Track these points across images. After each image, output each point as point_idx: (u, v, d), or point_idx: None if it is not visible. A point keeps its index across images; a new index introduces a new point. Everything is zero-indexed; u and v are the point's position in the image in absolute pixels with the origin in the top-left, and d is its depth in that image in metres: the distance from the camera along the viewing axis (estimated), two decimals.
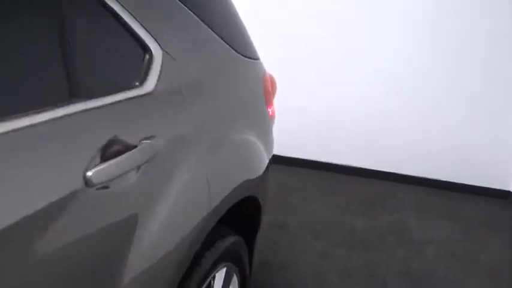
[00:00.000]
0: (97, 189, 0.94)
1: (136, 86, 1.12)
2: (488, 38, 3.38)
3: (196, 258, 1.36)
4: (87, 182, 0.91)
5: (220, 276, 1.56)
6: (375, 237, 3.00)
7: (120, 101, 1.05)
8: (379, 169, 3.86)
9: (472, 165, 3.65)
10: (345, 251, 2.80)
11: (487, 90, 3.49)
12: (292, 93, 3.75)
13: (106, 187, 0.96)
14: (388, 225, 3.16)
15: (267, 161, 1.74)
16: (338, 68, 3.77)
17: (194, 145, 1.25)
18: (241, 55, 1.58)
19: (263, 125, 1.73)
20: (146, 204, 1.08)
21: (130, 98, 1.08)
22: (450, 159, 3.70)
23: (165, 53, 1.19)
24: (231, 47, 1.51)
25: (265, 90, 1.72)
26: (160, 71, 1.17)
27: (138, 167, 1.05)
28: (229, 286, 1.67)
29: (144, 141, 1.06)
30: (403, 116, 3.72)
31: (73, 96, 0.96)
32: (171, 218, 1.15)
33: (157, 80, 1.16)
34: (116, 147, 0.99)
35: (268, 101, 1.76)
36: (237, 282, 1.71)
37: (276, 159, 3.81)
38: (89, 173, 0.92)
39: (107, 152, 0.97)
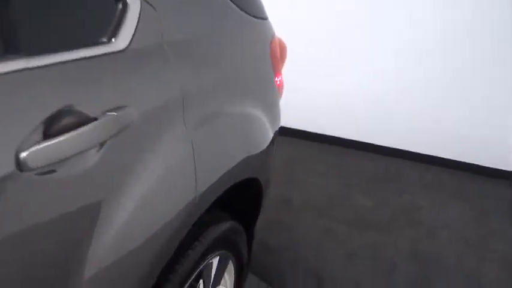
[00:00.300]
0: (37, 174, 0.68)
1: (104, 43, 0.83)
2: None
3: (182, 249, 1.12)
4: (20, 165, 0.65)
5: (212, 265, 1.32)
6: (383, 216, 2.73)
7: (79, 60, 0.77)
8: (388, 145, 3.55)
9: (488, 146, 3.33)
10: (351, 231, 2.55)
11: (504, 72, 3.14)
12: (303, 65, 3.43)
13: (51, 171, 0.70)
14: (397, 204, 2.88)
15: (271, 138, 1.46)
16: (351, 41, 3.42)
17: (179, 118, 0.98)
18: (245, 12, 1.28)
19: (269, 96, 1.44)
20: (111, 190, 0.82)
21: (94, 57, 0.80)
22: (464, 139, 3.37)
23: (144, 1, 0.91)
24: (233, 1, 1.21)
25: (272, 55, 1.42)
26: (137, 25, 0.88)
27: (101, 145, 0.79)
28: (223, 274, 1.43)
29: (109, 112, 0.80)
30: (416, 94, 3.39)
31: (9, 52, 0.69)
32: (144, 206, 0.88)
33: (133, 36, 0.88)
34: (67, 120, 0.72)
35: (275, 69, 1.46)
36: (233, 269, 1.47)
37: (282, 131, 3.54)
38: (24, 154, 0.66)
39: (54, 127, 0.71)
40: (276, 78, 1.47)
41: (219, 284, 1.42)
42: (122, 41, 0.85)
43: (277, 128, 1.54)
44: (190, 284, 1.21)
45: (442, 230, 2.64)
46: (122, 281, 0.88)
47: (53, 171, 0.70)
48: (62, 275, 0.76)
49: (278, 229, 2.45)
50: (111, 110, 0.79)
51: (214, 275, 1.35)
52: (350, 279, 2.17)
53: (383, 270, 2.25)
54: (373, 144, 3.56)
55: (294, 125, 3.64)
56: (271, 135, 1.44)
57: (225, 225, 1.28)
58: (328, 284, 2.11)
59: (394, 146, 3.52)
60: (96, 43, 0.82)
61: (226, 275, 1.46)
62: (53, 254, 0.74)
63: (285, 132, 3.54)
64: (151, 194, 0.90)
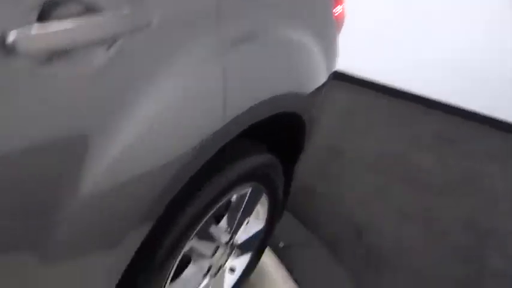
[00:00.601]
0: (29, 61, 0.60)
1: None
2: None
3: (208, 175, 1.03)
4: (6, 47, 0.57)
5: (244, 196, 1.23)
6: (443, 179, 2.49)
7: None
8: (461, 106, 3.19)
9: None
10: (405, 190, 2.35)
11: None
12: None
13: (47, 60, 0.62)
14: (459, 168, 2.61)
15: (324, 75, 1.30)
16: None
17: (211, 29, 0.85)
18: None
19: (325, 27, 1.26)
20: (120, 100, 0.72)
21: None
22: None
23: None
24: None
25: None
26: None
27: (111, 44, 0.69)
28: (255, 206, 1.34)
29: (125, 9, 0.69)
30: (498, 55, 2.98)
31: None
32: (159, 125, 0.78)
33: None
34: (69, 8, 0.63)
35: None
36: (266, 203, 1.38)
37: (346, 78, 3.29)
38: (13, 34, 0.57)
39: (53, 13, 0.61)
40: (336, 8, 1.28)
41: (250, 214, 1.34)
42: None
43: (333, 65, 1.37)
44: (218, 210, 1.13)
45: (504, 202, 2.37)
46: (125, 203, 0.79)
47: (50, 60, 0.62)
48: (54, 196, 0.67)
49: (326, 178, 2.31)
50: (125, 4, 0.68)
51: (245, 205, 1.26)
52: (394, 239, 2.01)
53: (434, 236, 2.06)
54: (442, 103, 3.23)
55: (359, 73, 3.39)
56: (323, 69, 1.27)
57: (259, 158, 1.17)
58: (368, 238, 1.97)
59: (465, 107, 3.17)
60: None
61: (259, 207, 1.38)
62: (44, 170, 0.64)
63: (349, 80, 3.31)
64: (165, 114, 0.79)
